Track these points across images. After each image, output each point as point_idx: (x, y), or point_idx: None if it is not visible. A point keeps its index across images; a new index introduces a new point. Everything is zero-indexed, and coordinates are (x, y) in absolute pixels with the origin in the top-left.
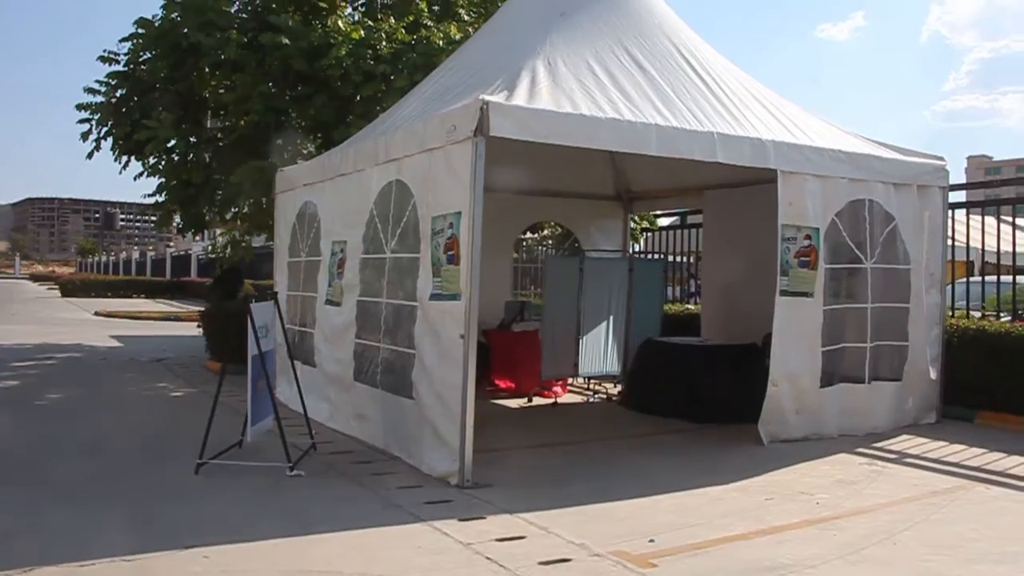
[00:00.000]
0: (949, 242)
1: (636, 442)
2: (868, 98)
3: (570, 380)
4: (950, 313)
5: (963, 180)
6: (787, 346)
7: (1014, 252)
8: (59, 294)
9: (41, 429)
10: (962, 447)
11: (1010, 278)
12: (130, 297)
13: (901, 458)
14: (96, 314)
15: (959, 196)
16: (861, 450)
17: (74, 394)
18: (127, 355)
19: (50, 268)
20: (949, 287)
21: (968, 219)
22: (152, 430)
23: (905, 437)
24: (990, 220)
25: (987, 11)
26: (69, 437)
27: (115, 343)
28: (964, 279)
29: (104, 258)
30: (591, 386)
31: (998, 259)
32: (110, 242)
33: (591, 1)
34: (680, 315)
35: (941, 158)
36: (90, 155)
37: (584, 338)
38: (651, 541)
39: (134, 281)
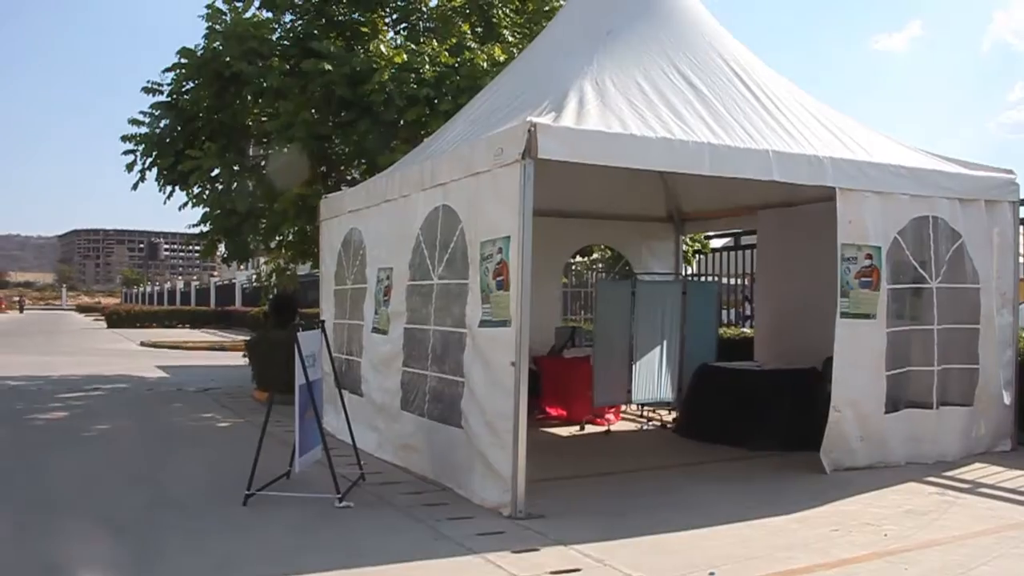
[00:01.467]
0: (1021, 259)
1: (692, 471)
2: (929, 111)
3: (623, 407)
4: (1023, 334)
5: None
6: (849, 370)
7: None
8: (105, 325)
9: (89, 461)
10: None
11: None
12: (175, 327)
13: (974, 488)
14: (142, 344)
15: None
16: (931, 479)
17: (121, 425)
18: (173, 385)
19: (96, 299)
20: (1022, 306)
21: None
22: (199, 461)
23: (978, 466)
24: None
25: None
26: (116, 468)
27: (161, 373)
28: None
29: (149, 288)
30: (645, 413)
31: None
32: (155, 272)
33: (638, 18)
34: (735, 339)
35: (1011, 171)
36: (135, 186)
37: (637, 364)
38: (711, 574)
39: (179, 311)
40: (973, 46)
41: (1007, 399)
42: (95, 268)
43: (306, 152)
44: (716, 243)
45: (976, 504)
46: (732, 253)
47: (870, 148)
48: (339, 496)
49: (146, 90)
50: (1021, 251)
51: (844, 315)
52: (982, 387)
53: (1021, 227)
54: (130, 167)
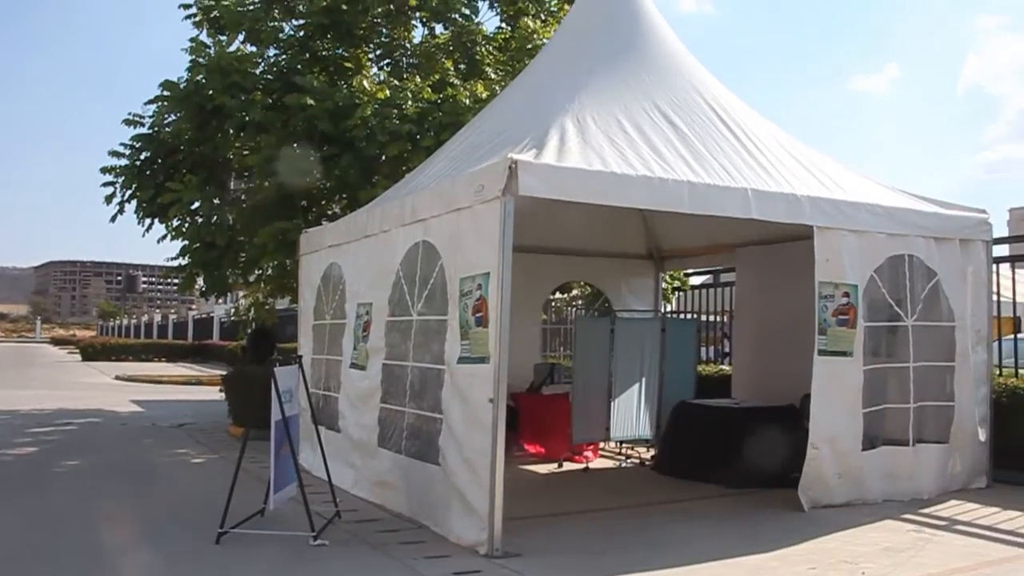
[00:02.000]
0: (995, 297)
1: (671, 509)
2: (905, 151)
3: (602, 444)
4: (998, 371)
5: (1006, 232)
6: (827, 408)
7: None
8: (79, 358)
9: (57, 497)
10: (1017, 514)
11: None
12: (151, 361)
13: (951, 525)
14: (117, 378)
15: (1003, 250)
16: (908, 516)
17: (92, 461)
18: (148, 420)
19: (71, 331)
20: (996, 344)
21: (1014, 273)
22: (172, 498)
23: (954, 502)
24: None
25: None
26: (86, 505)
27: (136, 408)
28: (1012, 336)
29: (126, 321)
30: (623, 451)
31: None
32: (132, 305)
33: (619, 57)
34: (714, 376)
35: (983, 211)
36: (113, 218)
37: (616, 401)
38: None
39: (155, 344)
40: (949, 88)
41: (982, 436)
42: (71, 300)
43: (287, 186)
44: (695, 280)
45: (953, 541)
46: (711, 290)
47: (847, 187)
48: (314, 534)
49: (127, 122)
50: (994, 289)
51: (821, 352)
52: (958, 424)
53: (994, 266)
54: (109, 199)
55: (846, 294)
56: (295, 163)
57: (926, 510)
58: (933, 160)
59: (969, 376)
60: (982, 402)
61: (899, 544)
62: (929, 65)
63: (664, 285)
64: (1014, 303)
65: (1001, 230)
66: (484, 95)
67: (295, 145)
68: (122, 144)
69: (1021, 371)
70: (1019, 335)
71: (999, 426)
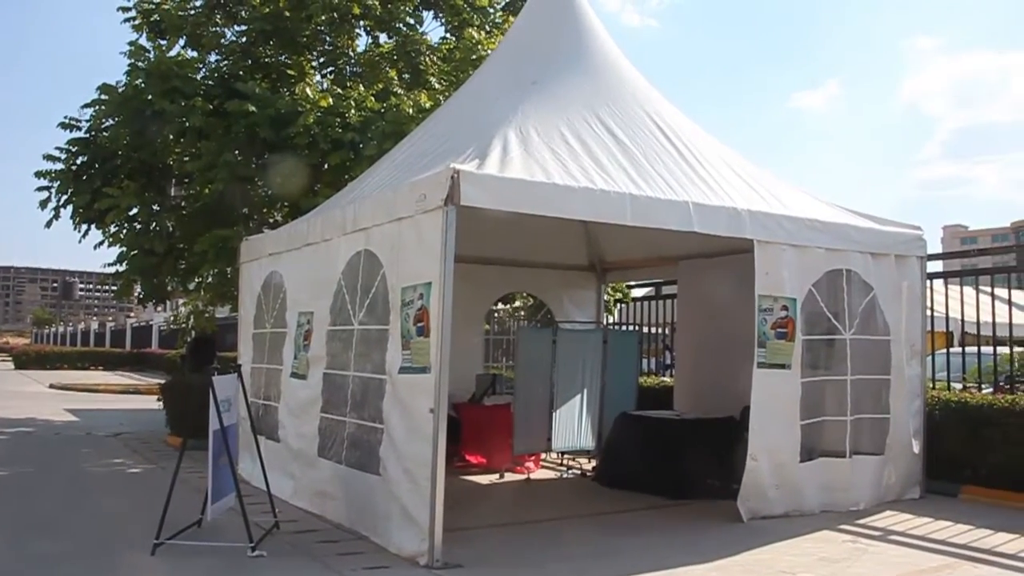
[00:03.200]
0: (928, 312)
1: (612, 519)
2: (842, 167)
3: (543, 455)
4: (931, 385)
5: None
6: (765, 419)
7: (994, 322)
8: (12, 366)
9: None
10: (948, 524)
11: (990, 349)
12: (88, 369)
13: (885, 535)
14: (51, 387)
15: (936, 266)
16: (844, 527)
17: (24, 471)
18: (83, 429)
19: (3, 339)
20: (929, 358)
21: (947, 289)
22: (107, 509)
23: (889, 513)
24: (968, 290)
25: (960, 81)
26: (16, 516)
27: (71, 417)
28: (944, 350)
29: (61, 329)
30: (565, 461)
31: (978, 329)
32: (68, 312)
33: (563, 70)
34: (655, 388)
35: (918, 227)
36: (49, 224)
37: (557, 412)
38: None
39: (92, 353)
40: (886, 106)
41: (916, 448)
42: (4, 307)
43: (227, 193)
44: (637, 292)
45: (887, 551)
46: (653, 302)
47: (787, 201)
48: (252, 545)
49: (63, 125)
50: (928, 304)
51: (761, 365)
52: (893, 436)
53: (928, 281)
54: (44, 204)
55: (785, 307)
56: (236, 170)
57: (862, 521)
58: (870, 177)
59: (904, 389)
60: (916, 415)
61: (835, 554)
62: (867, 83)
63: (606, 297)
64: (947, 318)
65: (935, 247)
66: (428, 105)
67: (236, 152)
68: (57, 148)
69: (954, 385)
70: (951, 349)
71: (932, 438)
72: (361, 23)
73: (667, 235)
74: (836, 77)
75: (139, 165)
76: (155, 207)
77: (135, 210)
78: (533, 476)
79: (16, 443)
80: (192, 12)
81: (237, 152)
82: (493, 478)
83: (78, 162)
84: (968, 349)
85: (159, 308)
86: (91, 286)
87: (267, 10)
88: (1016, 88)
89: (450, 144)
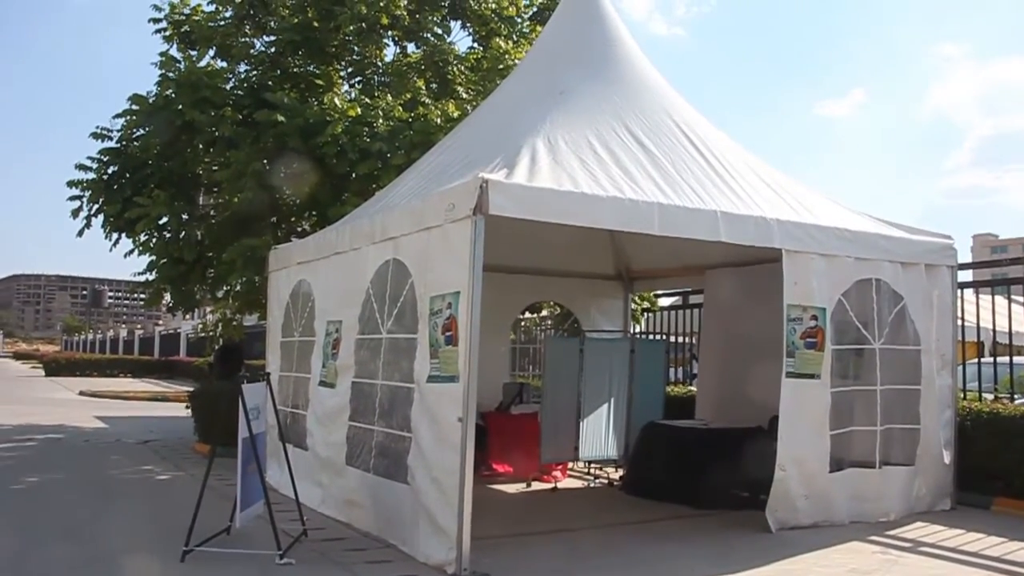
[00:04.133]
0: (959, 322)
1: (639, 529)
2: (870, 176)
3: (570, 464)
4: (962, 395)
5: (969, 259)
6: (794, 429)
7: None
8: (43, 373)
9: (17, 515)
10: (979, 536)
11: (1022, 359)
12: (117, 376)
13: (916, 547)
14: (81, 394)
15: (966, 275)
16: (874, 538)
17: (54, 477)
18: (112, 436)
19: (34, 346)
20: (960, 368)
21: (977, 299)
22: (136, 515)
23: (919, 524)
24: (1000, 300)
25: (988, 88)
26: (46, 522)
27: (100, 424)
28: (975, 360)
29: (90, 336)
30: (592, 470)
31: (1010, 339)
32: (97, 320)
33: (590, 79)
34: (683, 397)
35: (948, 236)
36: (80, 232)
37: (584, 421)
38: None
39: (121, 360)
40: (913, 114)
41: (947, 459)
42: (35, 314)
43: (256, 202)
44: (664, 301)
45: (918, 563)
46: (680, 312)
47: (815, 210)
48: (280, 553)
49: (95, 135)
50: (959, 314)
51: (789, 375)
52: (923, 447)
53: (959, 291)
54: (75, 213)
55: (814, 317)
56: (264, 179)
57: (892, 532)
58: (897, 186)
59: (934, 399)
60: (947, 425)
61: (865, 566)
62: (894, 91)
63: (633, 306)
64: (978, 328)
65: (965, 256)
66: (455, 114)
67: (265, 161)
68: (89, 158)
69: (985, 395)
70: (983, 359)
71: (963, 449)
72: (389, 33)
73: (695, 244)
74: (862, 86)
75: (169, 174)
76: (184, 216)
77: (165, 219)
78: (560, 485)
79: (46, 449)
80: (222, 23)
81: (266, 161)
82: (520, 487)
83: (109, 172)
84: (1000, 359)
85: (187, 316)
86: (120, 294)
87: (296, 20)
88: None
89: (478, 154)
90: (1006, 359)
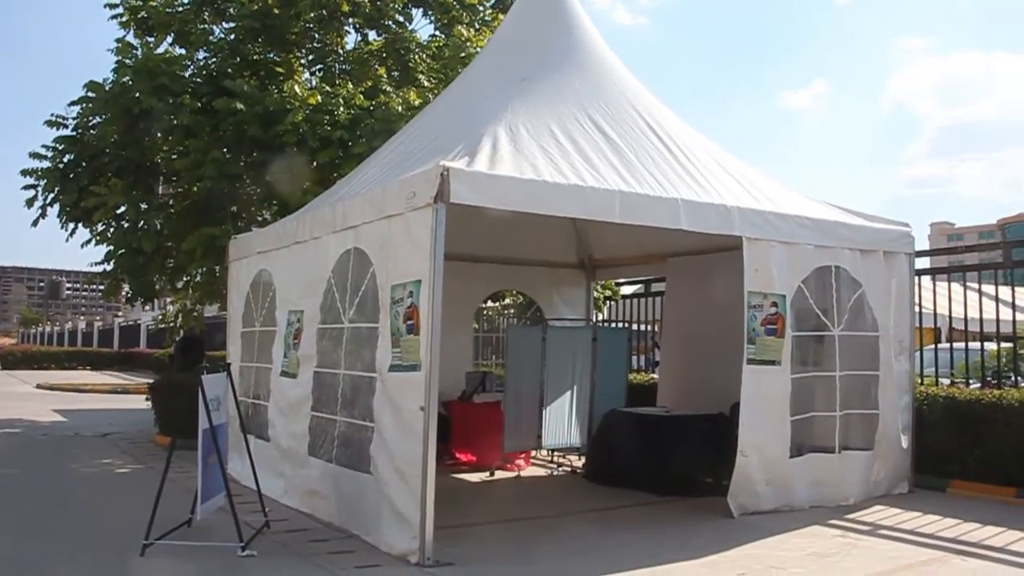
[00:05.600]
0: (916, 309)
1: (601, 516)
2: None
3: (533, 453)
4: (919, 381)
5: (927, 246)
6: (755, 415)
7: (981, 319)
8: None
9: None
10: (936, 518)
11: (977, 345)
12: (75, 369)
13: (875, 530)
14: (38, 387)
15: (924, 262)
16: (833, 522)
17: (10, 472)
18: (70, 430)
19: None
20: (917, 354)
21: (934, 286)
22: (95, 509)
23: (878, 508)
24: (956, 287)
25: (947, 80)
26: (3, 518)
27: (58, 417)
28: (932, 346)
29: (48, 328)
30: (555, 459)
31: (965, 325)
32: (55, 312)
33: (553, 67)
34: (645, 385)
35: (907, 224)
36: (35, 222)
37: (547, 409)
38: None
39: (80, 352)
40: (874, 105)
41: (904, 443)
42: None
43: (215, 191)
44: (627, 290)
45: (877, 545)
46: (642, 300)
47: (775, 198)
48: (242, 544)
49: (50, 123)
50: (916, 301)
51: (750, 361)
52: (881, 432)
53: (916, 278)
54: (30, 202)
55: (774, 304)
56: (224, 168)
57: (851, 515)
58: (857, 175)
59: (892, 385)
60: (905, 410)
61: (825, 549)
62: (854, 82)
63: (596, 294)
64: (935, 314)
65: (923, 244)
66: (417, 102)
67: (224, 150)
68: (44, 146)
69: (942, 380)
70: (939, 345)
71: (920, 433)
72: (350, 20)
73: (656, 232)
74: (823, 76)
75: (127, 163)
76: (143, 205)
77: (123, 208)
78: (523, 474)
79: (2, 444)
80: (180, 9)
81: (226, 150)
82: (483, 476)
83: (65, 160)
84: (956, 345)
85: (147, 307)
86: (78, 285)
87: (255, 7)
88: (1002, 87)
89: (440, 142)
90: (962, 345)
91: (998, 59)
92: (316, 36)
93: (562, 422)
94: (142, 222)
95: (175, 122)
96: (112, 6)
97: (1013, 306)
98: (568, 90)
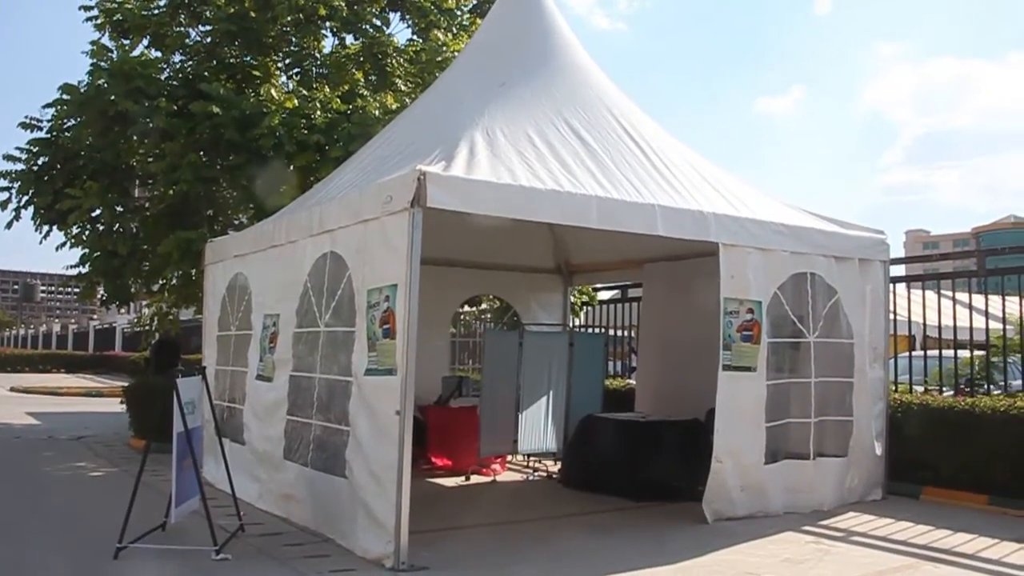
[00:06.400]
0: (891, 316)
1: (577, 521)
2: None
3: (509, 458)
4: (893, 388)
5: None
6: (731, 422)
7: (955, 326)
8: None
9: None
10: (909, 525)
11: (951, 352)
12: (50, 372)
13: (848, 536)
14: (12, 390)
15: (899, 270)
16: (807, 528)
17: None
18: (44, 433)
19: None
20: (892, 361)
21: (909, 293)
22: (69, 512)
23: (851, 514)
24: (930, 294)
25: (922, 88)
26: None
27: (31, 420)
28: (907, 353)
29: (22, 331)
30: (531, 464)
31: (939, 333)
32: (29, 315)
33: (531, 72)
34: (621, 390)
35: (881, 232)
36: (9, 224)
37: (523, 414)
38: None
39: (54, 355)
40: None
41: (878, 450)
42: None
43: (191, 194)
44: (604, 295)
45: (849, 552)
46: (619, 305)
47: (752, 205)
48: (216, 548)
49: (24, 125)
50: (891, 308)
51: (726, 368)
52: (855, 438)
53: (891, 285)
54: (4, 205)
55: (750, 310)
56: (200, 172)
57: (825, 522)
58: (834, 182)
59: (867, 392)
60: (879, 417)
61: (799, 555)
62: (831, 89)
63: (572, 299)
64: (909, 322)
65: (898, 251)
66: (394, 107)
67: (201, 153)
68: (18, 148)
69: (916, 387)
70: (913, 353)
71: (894, 440)
72: (327, 24)
73: (633, 238)
74: (801, 83)
75: (102, 166)
76: (118, 208)
77: (98, 211)
78: (499, 478)
79: None
80: (156, 12)
81: (202, 153)
82: (459, 480)
83: (39, 162)
84: (930, 353)
85: (122, 310)
86: (53, 288)
87: (232, 10)
88: (977, 96)
89: (416, 146)
90: (936, 353)
91: (973, 66)
92: (293, 40)
93: (538, 427)
94: (117, 225)
95: (151, 125)
96: (87, 8)
97: (987, 314)
98: (546, 95)
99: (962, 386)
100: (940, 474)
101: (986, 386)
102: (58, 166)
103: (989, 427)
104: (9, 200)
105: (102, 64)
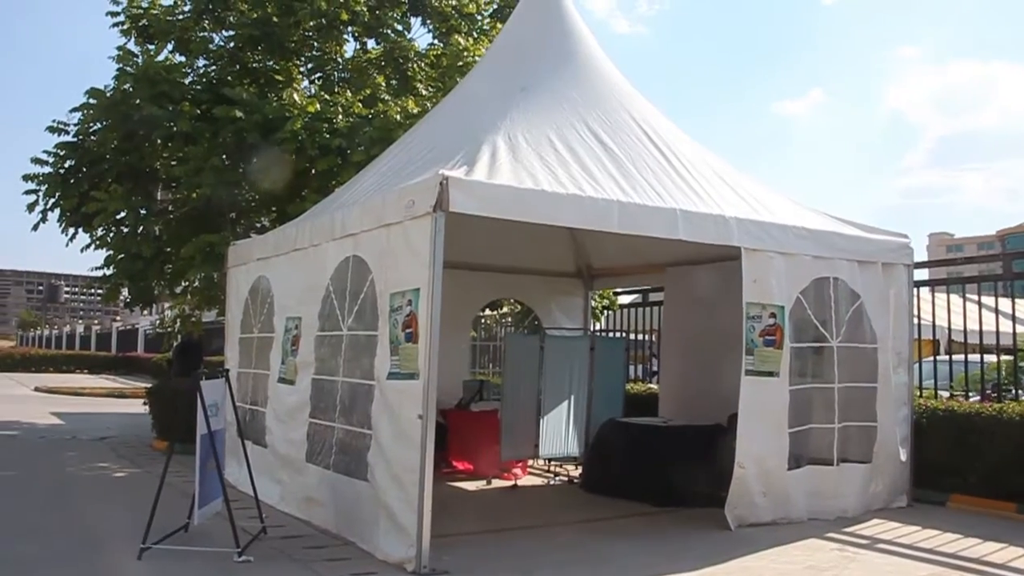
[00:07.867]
0: (915, 320)
1: (599, 526)
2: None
3: (530, 462)
4: (918, 393)
5: (925, 257)
6: (753, 427)
7: (980, 331)
8: None
9: None
10: (935, 532)
11: (977, 357)
12: (73, 372)
13: (873, 544)
14: (36, 390)
15: (923, 274)
16: (831, 535)
17: (8, 475)
18: (68, 433)
19: None
20: (916, 366)
21: (933, 297)
22: (92, 513)
23: (876, 521)
24: (955, 298)
25: (945, 90)
26: (1, 522)
27: (56, 420)
28: (931, 358)
29: (47, 332)
30: (552, 468)
31: (965, 338)
32: (54, 315)
33: (551, 76)
34: (643, 395)
35: (905, 235)
36: (36, 227)
37: (545, 418)
38: None
39: (78, 356)
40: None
41: (903, 456)
42: None
43: (214, 198)
44: (624, 299)
45: (874, 560)
46: (640, 309)
47: (774, 209)
48: (239, 550)
49: (51, 129)
50: (915, 312)
51: (748, 372)
52: (880, 444)
53: (915, 289)
54: (31, 207)
55: (773, 315)
56: (223, 175)
57: (849, 529)
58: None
59: (891, 397)
60: (903, 422)
61: (823, 563)
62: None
63: (593, 303)
64: (933, 326)
65: (921, 255)
66: (415, 111)
67: (224, 157)
68: (46, 151)
69: (941, 393)
70: (938, 357)
71: (919, 446)
72: (349, 29)
73: (654, 242)
74: (821, 86)
75: (127, 169)
76: (142, 211)
77: (122, 214)
78: (520, 482)
79: (0, 446)
80: (180, 17)
81: (225, 157)
82: (480, 484)
83: (66, 166)
84: (955, 357)
85: (145, 312)
86: (77, 289)
87: (255, 15)
88: (1001, 96)
89: (438, 150)
90: (961, 357)
91: (996, 68)
92: (315, 44)
93: (559, 431)
94: (141, 228)
95: (175, 129)
96: (114, 14)
97: (1013, 318)
98: (566, 99)
99: (988, 391)
100: (967, 481)
101: (1013, 391)
102: (84, 169)
103: (1017, 433)
104: (36, 202)
105: (128, 69)
